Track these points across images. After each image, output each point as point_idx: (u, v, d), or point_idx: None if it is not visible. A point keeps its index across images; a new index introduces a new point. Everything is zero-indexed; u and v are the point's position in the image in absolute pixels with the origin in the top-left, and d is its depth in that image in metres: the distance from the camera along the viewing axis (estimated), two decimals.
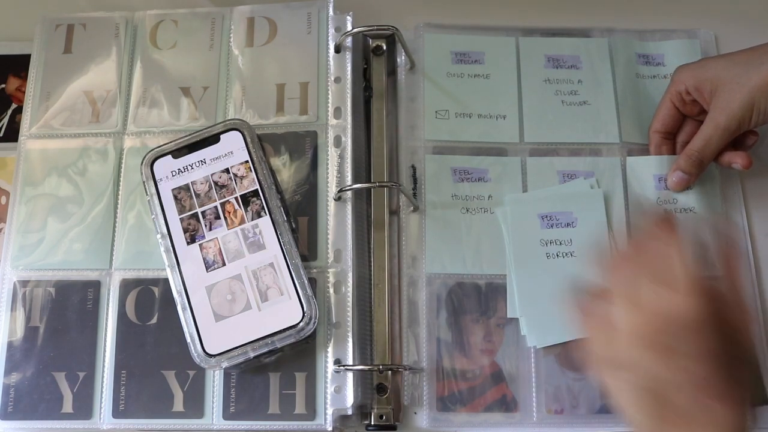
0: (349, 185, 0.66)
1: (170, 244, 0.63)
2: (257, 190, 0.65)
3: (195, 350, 0.60)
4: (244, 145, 0.66)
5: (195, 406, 0.63)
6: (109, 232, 0.67)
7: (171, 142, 0.67)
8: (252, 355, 0.60)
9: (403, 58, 0.73)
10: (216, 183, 0.65)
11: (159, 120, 0.70)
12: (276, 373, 0.63)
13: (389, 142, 0.71)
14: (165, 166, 0.66)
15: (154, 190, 0.65)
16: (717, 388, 0.47)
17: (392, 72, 0.74)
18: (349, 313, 0.64)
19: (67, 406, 0.63)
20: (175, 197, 0.65)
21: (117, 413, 0.63)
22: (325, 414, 0.62)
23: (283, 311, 0.61)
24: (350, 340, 0.63)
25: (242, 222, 0.64)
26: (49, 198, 0.68)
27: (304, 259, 0.63)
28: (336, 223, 0.66)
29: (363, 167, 0.70)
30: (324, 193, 0.67)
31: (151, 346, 0.64)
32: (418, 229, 0.68)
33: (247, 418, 0.62)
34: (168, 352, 0.64)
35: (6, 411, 0.63)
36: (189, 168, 0.66)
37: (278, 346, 0.60)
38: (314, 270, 0.65)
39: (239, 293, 0.62)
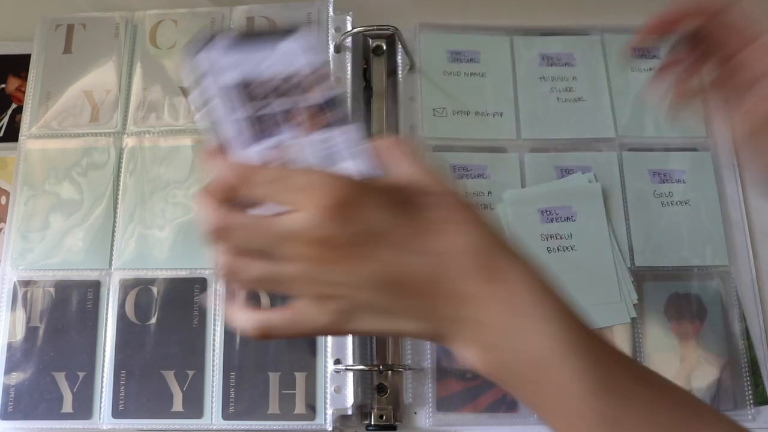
0: None
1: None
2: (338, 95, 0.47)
3: None
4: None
5: (194, 406, 0.63)
6: (109, 232, 0.67)
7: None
8: None
9: (400, 57, 0.73)
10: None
11: (159, 120, 0.70)
12: (276, 372, 0.63)
13: None
14: (224, 57, 0.49)
15: (214, 87, 0.47)
16: (431, 229, 0.42)
17: (392, 72, 0.74)
18: None
19: (67, 406, 0.63)
20: (240, 94, 0.48)
21: (116, 413, 0.63)
22: (325, 414, 0.62)
23: None
24: (350, 339, 0.63)
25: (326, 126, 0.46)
26: (49, 198, 0.68)
27: None
28: None
29: None
30: None
31: (150, 346, 0.64)
32: None
33: (246, 418, 0.62)
34: (167, 352, 0.64)
35: (6, 411, 0.63)
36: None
37: None
38: None
39: None
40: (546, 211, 0.69)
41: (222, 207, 0.42)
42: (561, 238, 0.68)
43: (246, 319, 0.44)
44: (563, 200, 0.69)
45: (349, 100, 0.69)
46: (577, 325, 0.42)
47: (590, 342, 0.42)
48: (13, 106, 0.75)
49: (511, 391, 0.43)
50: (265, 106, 0.46)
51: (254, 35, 0.48)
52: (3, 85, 0.76)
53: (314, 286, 0.42)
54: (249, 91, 0.47)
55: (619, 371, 0.42)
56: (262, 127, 0.46)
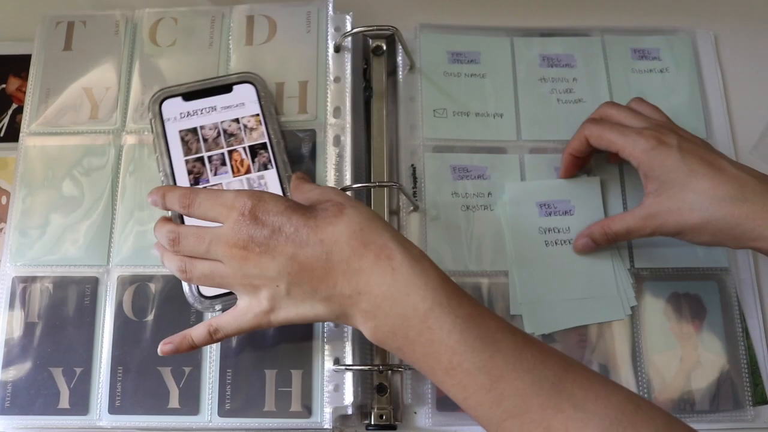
0: (349, 185, 0.66)
1: (173, 183, 0.64)
2: (266, 143, 0.66)
3: (190, 290, 0.62)
4: (257, 98, 0.68)
5: (190, 402, 0.62)
6: (107, 229, 0.67)
7: (183, 84, 0.68)
8: None
9: (400, 58, 0.73)
10: (225, 131, 0.66)
11: None
12: (272, 370, 0.62)
13: (389, 142, 0.71)
14: (174, 107, 0.67)
15: (160, 129, 0.66)
16: (321, 223, 0.52)
17: (392, 72, 0.74)
18: None
19: (64, 402, 0.63)
20: (182, 139, 0.66)
21: (113, 409, 0.63)
22: (322, 412, 0.61)
23: None
24: (349, 339, 0.63)
25: (248, 172, 0.65)
26: (48, 195, 0.68)
27: None
28: None
29: (363, 167, 0.70)
30: None
31: (147, 343, 0.64)
32: (419, 228, 0.68)
33: (242, 415, 0.62)
34: None
35: (3, 406, 0.63)
36: (199, 112, 0.67)
37: None
38: None
39: None
40: (544, 205, 0.69)
41: (173, 223, 0.58)
42: (559, 231, 0.68)
43: (199, 326, 0.57)
44: (561, 194, 0.69)
45: (348, 100, 0.69)
46: (450, 287, 0.51)
47: (462, 301, 0.51)
48: (14, 106, 0.76)
49: (404, 358, 0.52)
50: (208, 150, 0.66)
51: (205, 89, 0.68)
52: (3, 86, 0.76)
53: (243, 279, 0.53)
54: (197, 137, 0.66)
55: (488, 324, 0.50)
56: (203, 168, 0.65)
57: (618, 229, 0.63)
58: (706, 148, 0.61)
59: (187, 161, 0.65)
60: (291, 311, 0.54)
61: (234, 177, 0.65)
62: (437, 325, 0.49)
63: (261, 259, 0.52)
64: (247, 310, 0.55)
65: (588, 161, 0.69)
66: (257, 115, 0.67)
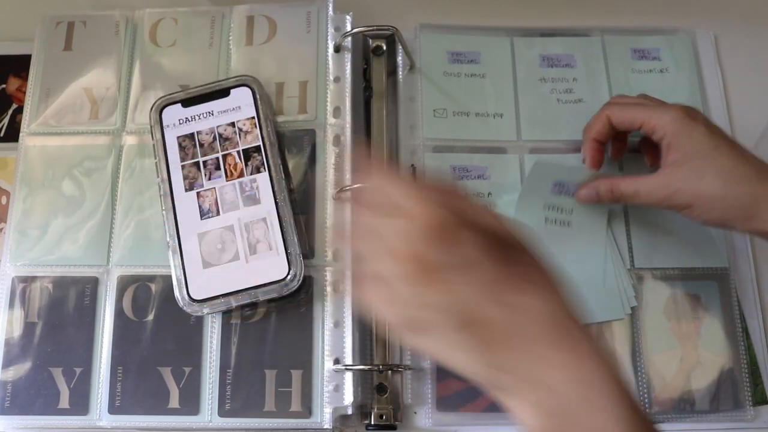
0: (349, 185, 0.66)
1: (168, 189, 0.65)
2: (260, 146, 0.66)
3: (180, 294, 0.62)
4: (253, 101, 0.68)
5: (190, 403, 0.63)
6: (107, 228, 0.67)
7: (182, 91, 0.69)
8: (234, 304, 0.62)
9: (400, 58, 0.73)
10: (220, 135, 0.67)
11: None
12: (272, 370, 0.62)
13: (389, 142, 0.71)
14: (174, 113, 0.68)
15: (159, 136, 0.67)
16: (514, 284, 0.45)
17: (392, 72, 0.74)
18: (348, 312, 0.64)
19: (64, 402, 0.63)
20: (180, 144, 0.67)
21: (113, 409, 0.63)
22: (322, 412, 0.61)
23: (269, 266, 0.62)
24: (349, 338, 0.63)
25: (241, 175, 0.65)
26: (48, 195, 0.68)
27: (303, 256, 0.63)
28: (334, 222, 0.66)
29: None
30: (322, 191, 0.67)
31: (147, 343, 0.64)
32: None
33: (242, 415, 0.62)
34: (164, 349, 0.64)
35: (3, 406, 0.63)
36: (196, 118, 0.67)
37: (261, 299, 0.62)
38: (312, 268, 0.65)
39: (229, 243, 0.63)
40: (559, 184, 0.69)
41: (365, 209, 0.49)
42: (562, 211, 0.69)
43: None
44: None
45: (348, 100, 0.69)
46: (636, 408, 0.43)
47: (646, 427, 0.43)
48: (14, 106, 0.76)
49: None
50: (203, 155, 0.66)
51: (203, 95, 0.68)
52: (3, 86, 0.76)
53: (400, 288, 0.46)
54: (194, 142, 0.66)
55: None
56: (198, 173, 0.65)
57: (626, 189, 0.63)
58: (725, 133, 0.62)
59: (183, 166, 0.66)
60: (424, 341, 0.47)
61: (227, 181, 0.65)
62: None
63: (428, 284, 0.45)
64: (385, 310, 0.48)
65: (622, 151, 0.70)
66: (253, 118, 0.67)
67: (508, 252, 0.46)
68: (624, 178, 0.64)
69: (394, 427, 0.64)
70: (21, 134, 0.71)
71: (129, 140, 0.70)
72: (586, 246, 0.67)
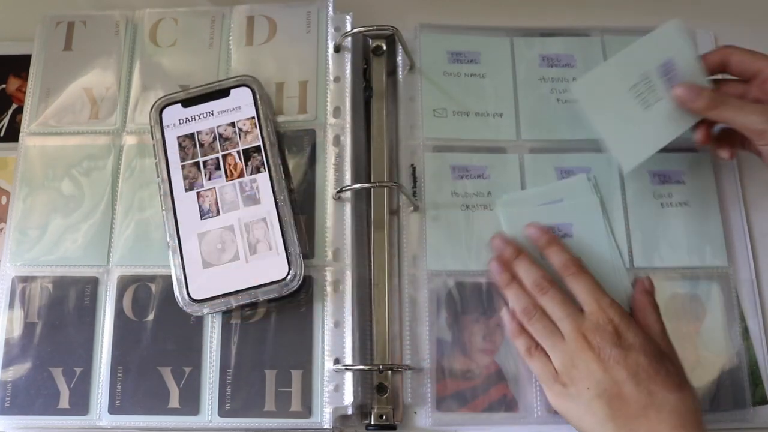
0: (349, 185, 0.66)
1: (169, 189, 0.65)
2: (259, 146, 0.66)
3: (180, 294, 0.62)
4: (253, 102, 0.68)
5: (191, 403, 0.63)
6: (107, 228, 0.67)
7: (183, 91, 0.69)
8: (234, 304, 0.62)
9: (400, 58, 0.73)
10: (221, 135, 0.67)
11: None
12: (272, 370, 0.62)
13: (389, 142, 0.71)
14: (174, 113, 0.68)
15: (159, 136, 0.67)
16: (658, 378, 0.57)
17: (392, 72, 0.74)
18: (348, 312, 0.64)
19: (64, 402, 0.63)
20: (180, 145, 0.67)
21: (113, 409, 0.63)
22: (322, 412, 0.61)
23: (269, 266, 0.62)
24: (349, 339, 0.63)
25: (241, 175, 0.65)
26: (48, 195, 0.68)
27: (303, 256, 0.63)
28: (335, 222, 0.66)
29: (363, 167, 0.70)
30: (322, 191, 0.67)
31: (147, 343, 0.64)
32: (419, 227, 0.68)
33: (242, 415, 0.62)
34: (164, 349, 0.64)
35: (3, 406, 0.63)
36: (196, 118, 0.67)
37: (261, 299, 0.62)
38: (312, 268, 0.65)
39: (229, 243, 0.63)
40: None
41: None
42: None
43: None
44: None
45: (348, 100, 0.69)
46: None
47: None
48: (14, 106, 0.76)
49: None
50: (203, 155, 0.66)
51: (203, 95, 0.68)
52: (3, 86, 0.76)
53: (568, 362, 0.59)
54: (194, 142, 0.66)
55: None
56: (198, 173, 0.65)
57: (732, 103, 0.62)
58: None
59: (183, 167, 0.66)
60: (574, 411, 0.59)
61: (227, 181, 0.65)
62: None
63: (598, 362, 0.58)
64: (537, 365, 0.62)
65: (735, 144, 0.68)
66: (253, 118, 0.67)
67: (662, 355, 0.59)
68: (727, 94, 0.64)
69: (394, 427, 0.64)
70: (21, 134, 0.71)
71: (129, 140, 0.70)
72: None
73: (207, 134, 0.67)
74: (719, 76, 0.67)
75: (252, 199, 0.64)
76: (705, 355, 0.65)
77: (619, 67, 0.66)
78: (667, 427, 0.54)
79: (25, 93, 0.73)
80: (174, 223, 0.64)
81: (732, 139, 0.67)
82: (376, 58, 0.74)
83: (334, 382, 0.62)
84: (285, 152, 0.68)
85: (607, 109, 0.66)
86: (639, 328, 0.59)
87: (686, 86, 0.64)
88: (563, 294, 0.62)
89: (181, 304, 0.62)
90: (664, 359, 0.58)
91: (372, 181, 0.70)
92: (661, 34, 0.66)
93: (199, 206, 0.64)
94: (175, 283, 0.62)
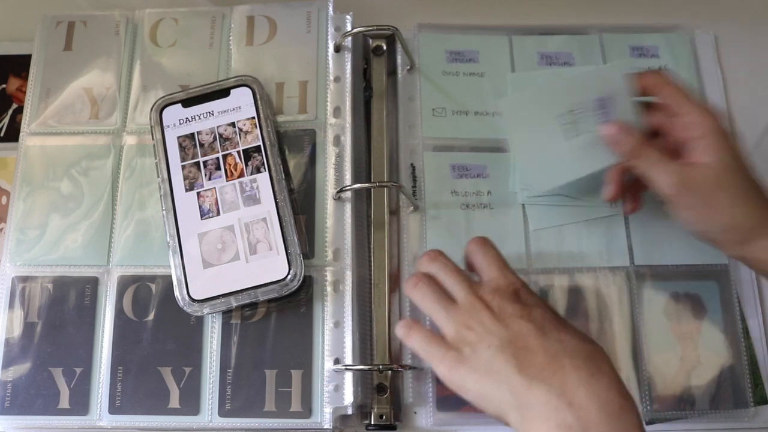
0: (349, 185, 0.66)
1: (169, 189, 0.65)
2: (260, 146, 0.66)
3: (180, 293, 0.62)
4: (253, 101, 0.68)
5: (191, 403, 0.63)
6: (107, 228, 0.67)
7: (183, 91, 0.69)
8: (234, 304, 0.62)
9: (400, 58, 0.73)
10: (221, 135, 0.67)
11: None
12: (272, 370, 0.62)
13: (389, 142, 0.71)
14: (174, 113, 0.68)
15: (160, 136, 0.67)
16: (566, 327, 0.53)
17: (392, 72, 0.74)
18: (348, 312, 0.64)
19: (64, 402, 0.63)
20: (180, 145, 0.67)
21: (113, 409, 0.63)
22: (322, 412, 0.61)
23: (269, 265, 0.62)
24: (349, 338, 0.63)
25: (241, 175, 0.65)
26: (48, 195, 0.68)
27: (303, 256, 0.63)
28: (335, 222, 0.66)
29: (363, 167, 0.70)
30: (322, 191, 0.67)
31: (147, 343, 0.64)
32: (419, 227, 0.68)
33: (242, 415, 0.62)
34: (164, 349, 0.64)
35: (3, 406, 0.63)
36: (197, 118, 0.67)
37: (261, 299, 0.62)
38: (312, 268, 0.65)
39: (230, 243, 0.63)
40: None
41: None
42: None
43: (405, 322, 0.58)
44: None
45: (348, 99, 0.69)
46: None
47: None
48: (14, 106, 0.76)
49: None
50: (204, 155, 0.66)
51: (204, 95, 0.68)
52: (3, 86, 0.76)
53: (466, 318, 0.54)
54: (194, 142, 0.66)
55: None
56: (198, 173, 0.65)
57: (650, 155, 0.60)
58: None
59: (183, 167, 0.66)
60: (473, 376, 0.53)
61: (227, 181, 0.65)
62: None
63: (498, 319, 0.53)
64: (438, 348, 0.55)
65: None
66: (253, 118, 0.67)
67: (558, 318, 0.55)
68: (654, 146, 0.60)
69: (394, 427, 0.64)
70: (21, 134, 0.71)
71: (129, 140, 0.70)
72: (560, 165, 0.65)
73: (207, 134, 0.67)
74: None
75: (252, 199, 0.64)
76: (705, 355, 0.65)
77: (553, 94, 0.65)
78: (585, 374, 0.49)
79: (25, 93, 0.73)
80: (174, 223, 0.64)
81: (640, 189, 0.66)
82: (376, 58, 0.74)
83: (334, 382, 0.62)
84: (285, 152, 0.68)
85: (528, 132, 0.65)
86: (535, 297, 0.56)
87: (620, 125, 0.61)
88: (456, 265, 0.59)
89: (181, 304, 0.62)
90: (560, 320, 0.55)
91: (372, 181, 0.70)
92: (606, 70, 0.65)
93: (200, 206, 0.64)
94: (175, 283, 0.62)
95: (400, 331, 0.58)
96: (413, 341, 0.57)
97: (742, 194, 0.58)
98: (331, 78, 0.70)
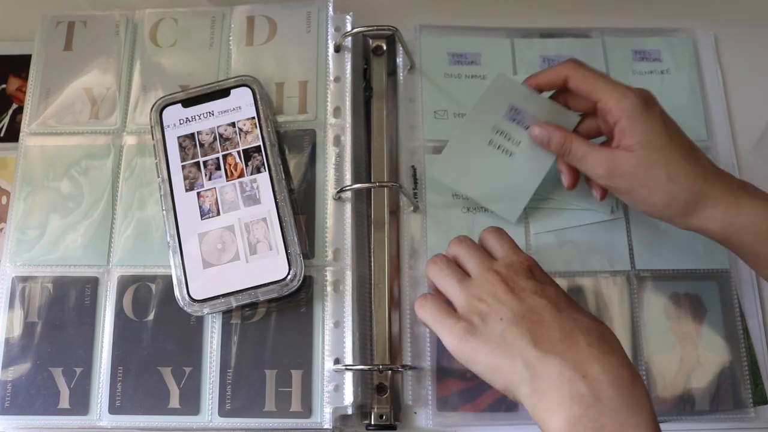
0: (349, 185, 0.66)
1: (169, 189, 0.65)
2: (260, 146, 0.66)
3: (180, 293, 0.62)
4: (253, 102, 0.68)
5: (191, 403, 0.62)
6: (107, 228, 0.67)
7: (183, 91, 0.69)
8: (234, 304, 0.62)
9: (401, 58, 0.73)
10: (221, 135, 0.67)
11: None
12: (272, 370, 0.62)
13: (389, 142, 0.71)
14: (174, 113, 0.68)
15: (160, 136, 0.67)
16: (578, 308, 0.54)
17: (392, 72, 0.74)
18: (348, 312, 0.64)
19: (64, 402, 0.63)
20: (180, 145, 0.67)
21: (113, 409, 0.63)
22: (322, 412, 0.61)
23: (269, 265, 0.62)
24: (349, 338, 0.63)
25: (241, 175, 0.65)
26: (48, 195, 0.68)
27: (303, 256, 0.63)
28: (335, 222, 0.66)
29: (363, 167, 0.70)
30: (323, 191, 0.67)
31: (147, 343, 0.64)
32: (419, 228, 0.68)
33: (242, 415, 0.62)
34: (164, 349, 0.64)
35: (3, 406, 0.63)
36: (197, 118, 0.67)
37: (261, 299, 0.62)
38: (312, 268, 0.65)
39: (230, 243, 0.63)
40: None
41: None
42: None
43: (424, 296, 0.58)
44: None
45: (348, 100, 0.69)
46: (656, 421, 0.49)
47: None
48: (14, 106, 0.76)
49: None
50: (204, 155, 0.66)
51: (204, 95, 0.68)
52: (3, 86, 0.76)
53: (478, 290, 0.55)
54: (194, 142, 0.67)
55: None
56: (198, 173, 0.65)
57: (577, 150, 0.61)
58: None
59: (183, 167, 0.66)
60: (484, 348, 0.53)
61: (227, 181, 0.65)
62: None
63: (511, 293, 0.54)
64: (447, 319, 0.55)
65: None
66: (253, 118, 0.67)
67: (570, 297, 0.55)
68: (579, 139, 0.62)
69: (394, 427, 0.64)
70: (21, 134, 0.71)
71: (129, 140, 0.70)
72: (519, 182, 0.67)
73: (207, 134, 0.67)
74: None
75: (252, 199, 0.64)
76: (705, 355, 0.65)
77: (469, 133, 0.66)
78: (598, 351, 0.50)
79: (25, 93, 0.73)
80: (174, 223, 0.64)
81: None
82: (376, 58, 0.74)
83: (334, 382, 0.62)
84: (285, 152, 0.68)
85: (474, 176, 0.67)
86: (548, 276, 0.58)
87: (543, 126, 0.64)
88: (477, 244, 0.60)
89: (181, 304, 0.62)
90: (576, 301, 0.56)
91: (372, 181, 0.70)
92: (492, 90, 0.66)
93: (200, 206, 0.64)
94: (175, 283, 0.62)
95: (417, 303, 0.58)
96: (425, 311, 0.57)
97: (675, 168, 0.58)
98: (331, 78, 0.70)
